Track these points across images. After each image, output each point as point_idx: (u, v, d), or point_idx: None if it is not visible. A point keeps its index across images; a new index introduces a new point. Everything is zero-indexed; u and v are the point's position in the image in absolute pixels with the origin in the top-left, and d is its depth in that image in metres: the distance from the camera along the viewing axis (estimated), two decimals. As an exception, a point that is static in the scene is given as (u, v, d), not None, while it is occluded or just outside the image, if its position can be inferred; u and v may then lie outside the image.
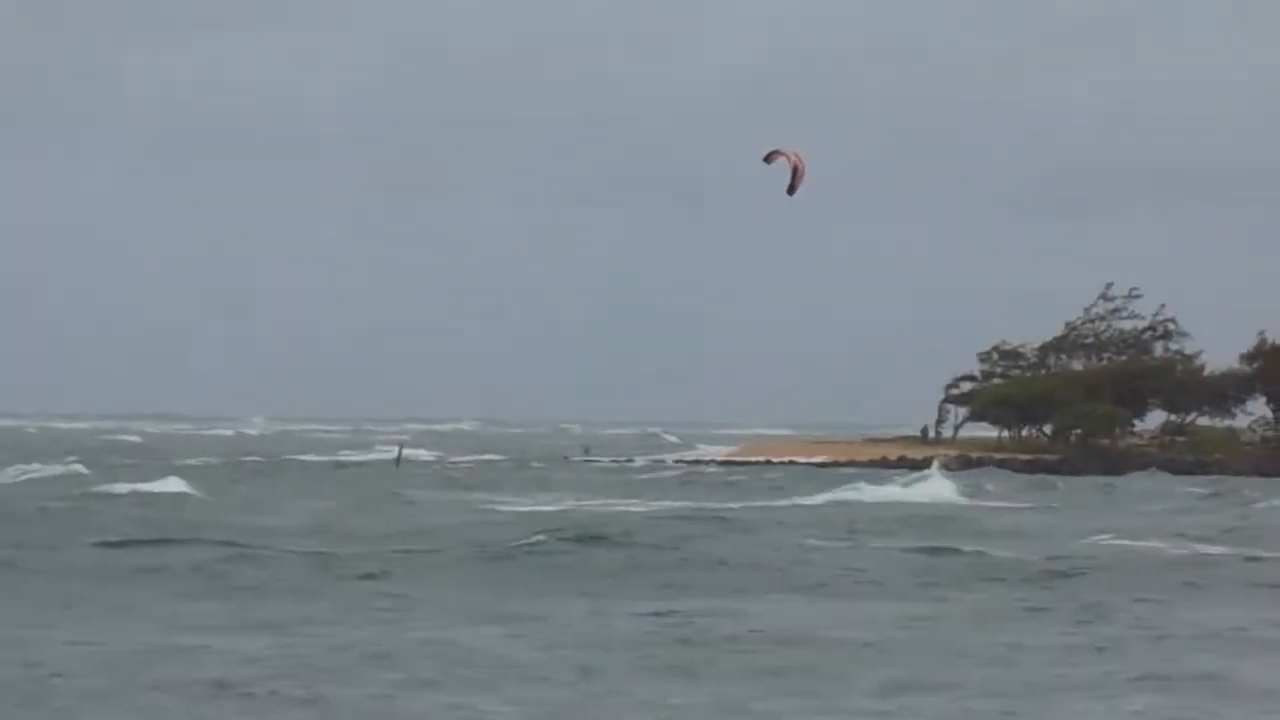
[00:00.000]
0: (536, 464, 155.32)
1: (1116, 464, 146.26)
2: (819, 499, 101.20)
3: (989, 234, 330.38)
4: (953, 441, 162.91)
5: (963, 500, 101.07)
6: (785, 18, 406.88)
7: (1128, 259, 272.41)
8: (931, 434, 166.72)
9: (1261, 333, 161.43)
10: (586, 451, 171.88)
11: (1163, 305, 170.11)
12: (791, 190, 62.49)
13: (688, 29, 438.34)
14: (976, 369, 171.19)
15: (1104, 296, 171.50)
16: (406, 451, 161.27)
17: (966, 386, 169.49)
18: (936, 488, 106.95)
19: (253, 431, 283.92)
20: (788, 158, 64.03)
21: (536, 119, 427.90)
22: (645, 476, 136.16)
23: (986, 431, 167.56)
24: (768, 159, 64.60)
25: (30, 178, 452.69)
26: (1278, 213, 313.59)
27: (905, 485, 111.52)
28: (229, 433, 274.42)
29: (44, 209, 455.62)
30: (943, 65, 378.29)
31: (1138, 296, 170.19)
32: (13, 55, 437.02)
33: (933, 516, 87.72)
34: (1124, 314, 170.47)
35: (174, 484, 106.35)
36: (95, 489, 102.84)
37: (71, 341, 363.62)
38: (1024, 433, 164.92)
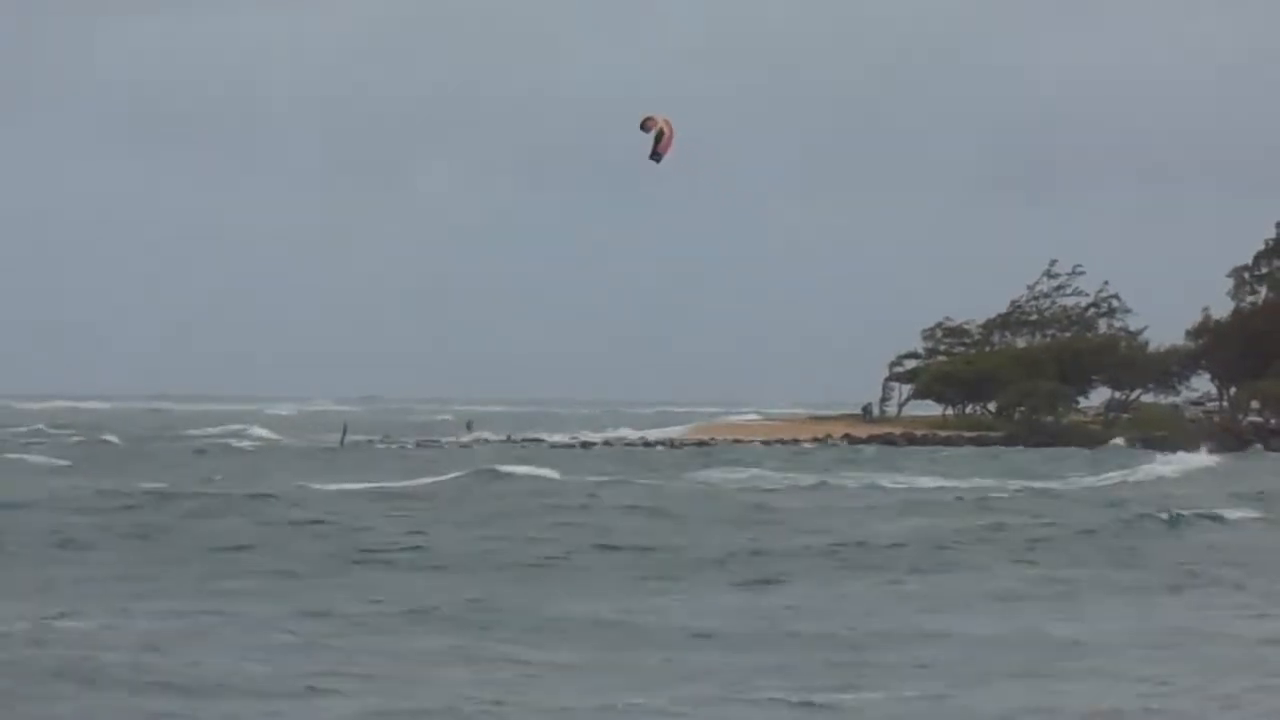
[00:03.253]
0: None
1: (1057, 440, 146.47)
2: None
3: (932, 211, 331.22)
4: (897, 419, 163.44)
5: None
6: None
7: (1072, 237, 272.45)
8: (875, 412, 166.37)
9: (1206, 309, 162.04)
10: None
11: (1106, 282, 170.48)
12: (656, 157, 61.23)
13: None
14: (920, 346, 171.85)
15: (1048, 273, 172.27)
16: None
17: (910, 364, 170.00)
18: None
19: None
20: (656, 122, 61.87)
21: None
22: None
23: (930, 410, 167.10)
24: (643, 126, 62.84)
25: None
26: (1224, 190, 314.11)
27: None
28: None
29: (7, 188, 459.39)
30: (894, 37, 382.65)
31: (1081, 273, 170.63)
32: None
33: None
34: (1068, 291, 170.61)
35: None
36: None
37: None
38: (968, 410, 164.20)
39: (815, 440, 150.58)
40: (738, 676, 39.40)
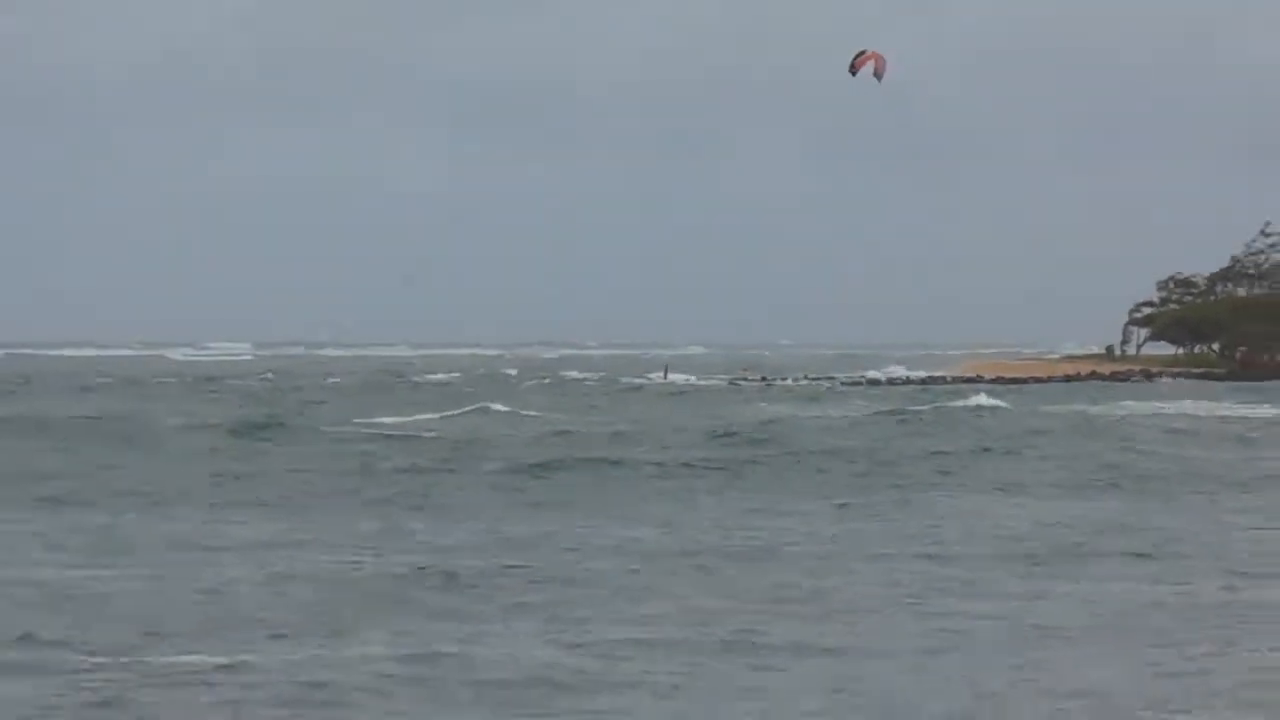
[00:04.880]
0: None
1: (1273, 376, 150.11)
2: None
3: (1164, 178, 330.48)
4: (1136, 358, 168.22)
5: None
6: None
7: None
8: (1117, 351, 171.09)
9: None
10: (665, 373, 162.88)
11: None
12: (879, 76, 75.37)
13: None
14: (1155, 296, 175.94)
15: (1263, 233, 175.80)
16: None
17: (1147, 311, 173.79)
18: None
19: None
20: (871, 59, 76.55)
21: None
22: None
23: (1164, 350, 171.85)
24: (853, 70, 77.76)
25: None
26: None
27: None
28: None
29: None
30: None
31: None
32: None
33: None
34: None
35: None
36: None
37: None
38: (1195, 350, 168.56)
39: (1068, 377, 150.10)
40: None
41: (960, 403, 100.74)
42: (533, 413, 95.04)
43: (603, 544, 41.63)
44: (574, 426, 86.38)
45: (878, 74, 72.72)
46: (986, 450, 70.35)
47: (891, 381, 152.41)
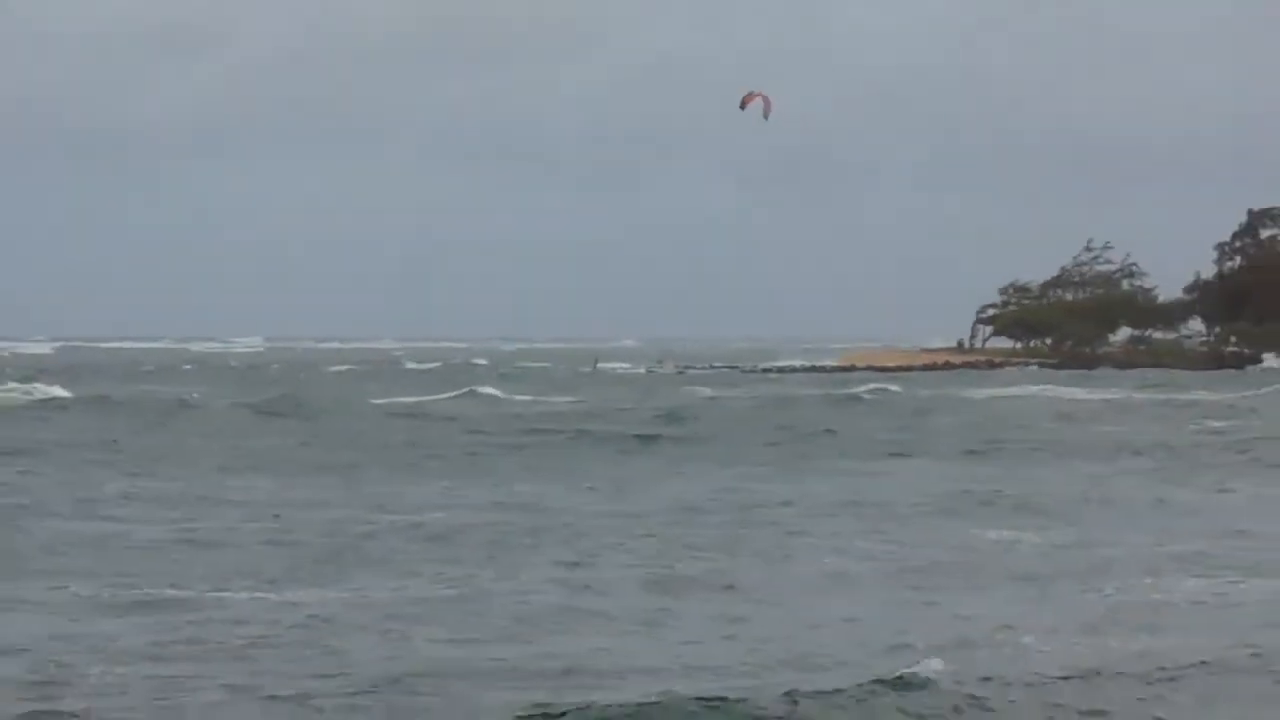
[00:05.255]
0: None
1: (1099, 362, 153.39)
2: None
3: (1007, 200, 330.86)
4: (982, 350, 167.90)
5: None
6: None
7: (1104, 221, 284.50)
8: (967, 345, 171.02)
9: (1198, 272, 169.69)
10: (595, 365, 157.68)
11: (1128, 254, 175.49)
12: (766, 116, 73.27)
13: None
14: (997, 299, 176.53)
15: (1087, 248, 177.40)
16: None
17: (991, 312, 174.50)
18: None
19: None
20: (758, 98, 75.76)
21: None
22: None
23: (1005, 344, 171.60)
24: (743, 105, 76.84)
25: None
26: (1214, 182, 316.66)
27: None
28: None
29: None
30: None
31: (1110, 248, 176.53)
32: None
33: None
34: (1101, 261, 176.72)
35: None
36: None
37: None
38: (1031, 344, 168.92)
39: (929, 366, 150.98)
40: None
41: (861, 388, 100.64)
42: (517, 396, 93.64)
43: (590, 500, 41.47)
44: (552, 405, 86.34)
45: (765, 114, 74.13)
46: (894, 424, 71.07)
47: (793, 369, 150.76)
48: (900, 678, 18.87)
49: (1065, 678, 19.69)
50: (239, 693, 19.66)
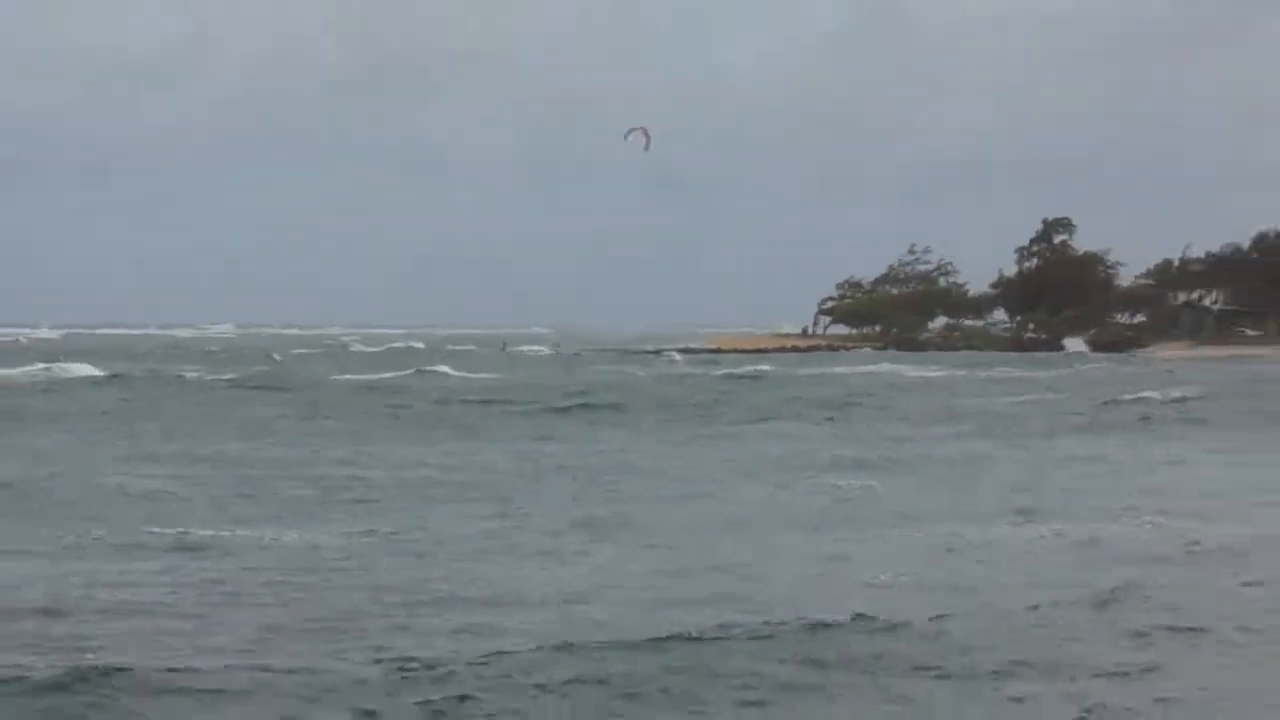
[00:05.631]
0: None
1: (921, 346, 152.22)
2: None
3: (839, 209, 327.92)
4: (824, 336, 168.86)
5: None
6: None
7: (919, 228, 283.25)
8: (810, 331, 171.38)
9: (1001, 270, 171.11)
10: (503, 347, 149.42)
11: (943, 256, 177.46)
12: (647, 148, 75.08)
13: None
14: (835, 293, 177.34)
15: (910, 251, 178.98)
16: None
17: (830, 304, 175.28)
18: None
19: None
20: (640, 131, 76.87)
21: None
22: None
23: (842, 330, 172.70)
24: (626, 136, 78.49)
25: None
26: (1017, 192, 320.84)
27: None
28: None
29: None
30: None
31: (929, 251, 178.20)
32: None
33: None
34: (921, 261, 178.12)
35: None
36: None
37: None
38: (863, 330, 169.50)
39: (780, 349, 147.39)
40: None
41: (742, 368, 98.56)
42: (463, 373, 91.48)
43: (531, 457, 40.90)
44: (483, 380, 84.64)
45: (646, 146, 75.32)
46: (778, 395, 70.70)
47: (672, 350, 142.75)
48: (821, 622, 17.74)
49: (941, 616, 18.40)
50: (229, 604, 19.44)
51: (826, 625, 17.63)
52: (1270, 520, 28.24)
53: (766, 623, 17.74)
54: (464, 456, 41.38)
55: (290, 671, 15.62)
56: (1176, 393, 67.98)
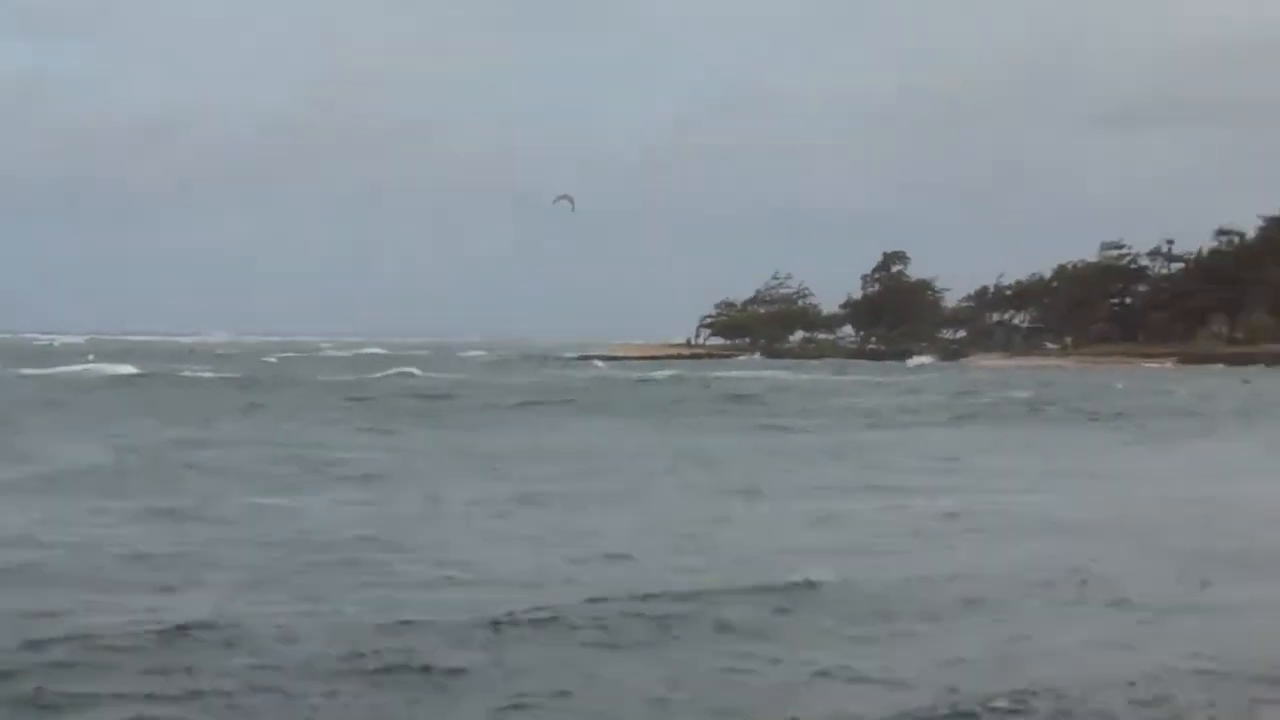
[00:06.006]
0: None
1: (784, 355, 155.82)
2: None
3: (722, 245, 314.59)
4: (705, 346, 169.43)
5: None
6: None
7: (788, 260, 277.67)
8: (694, 341, 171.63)
9: (850, 294, 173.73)
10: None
11: (802, 282, 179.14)
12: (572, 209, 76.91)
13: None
14: (713, 310, 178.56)
15: (774, 277, 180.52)
16: None
17: (709, 320, 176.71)
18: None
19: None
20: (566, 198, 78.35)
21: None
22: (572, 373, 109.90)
23: (718, 341, 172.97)
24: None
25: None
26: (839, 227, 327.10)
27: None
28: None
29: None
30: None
31: (790, 278, 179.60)
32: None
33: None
34: (783, 286, 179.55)
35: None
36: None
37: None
38: (736, 342, 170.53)
39: (674, 356, 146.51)
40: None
41: (658, 373, 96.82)
42: (429, 373, 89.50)
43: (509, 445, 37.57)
44: (448, 379, 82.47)
45: (572, 208, 77.80)
46: (705, 393, 69.72)
47: (596, 360, 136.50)
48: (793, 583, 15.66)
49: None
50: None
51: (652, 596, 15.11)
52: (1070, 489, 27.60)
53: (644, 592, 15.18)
54: (486, 441, 39.35)
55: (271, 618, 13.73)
56: (1019, 394, 69.30)
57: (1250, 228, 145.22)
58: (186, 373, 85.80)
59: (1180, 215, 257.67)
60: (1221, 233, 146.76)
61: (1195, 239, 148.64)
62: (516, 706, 10.77)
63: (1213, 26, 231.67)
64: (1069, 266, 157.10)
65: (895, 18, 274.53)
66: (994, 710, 10.91)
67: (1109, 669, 12.21)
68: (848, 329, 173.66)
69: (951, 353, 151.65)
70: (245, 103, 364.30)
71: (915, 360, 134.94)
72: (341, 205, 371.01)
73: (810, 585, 15.75)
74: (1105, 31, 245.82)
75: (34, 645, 12.20)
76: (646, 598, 14.84)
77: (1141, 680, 11.89)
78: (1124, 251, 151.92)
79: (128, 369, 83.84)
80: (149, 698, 10.79)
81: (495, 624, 13.36)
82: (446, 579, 16.43)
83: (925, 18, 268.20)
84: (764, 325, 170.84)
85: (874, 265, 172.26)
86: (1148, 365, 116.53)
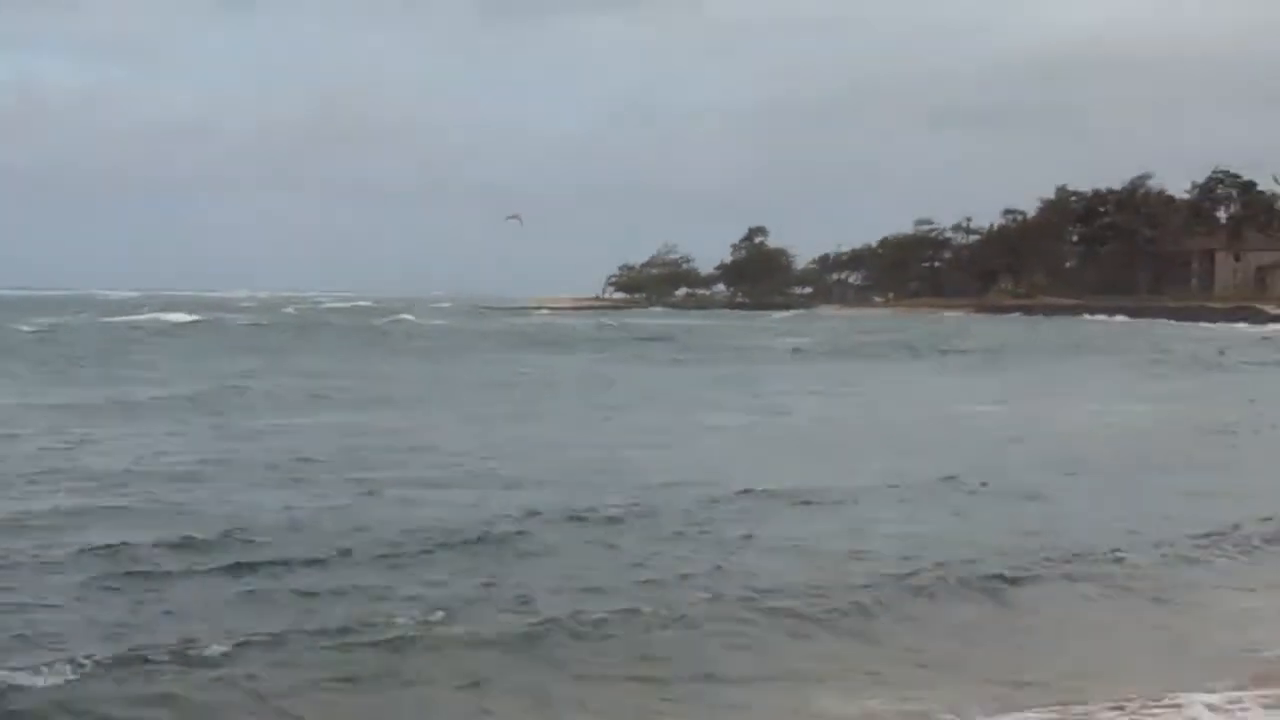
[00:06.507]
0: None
1: (672, 307, 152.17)
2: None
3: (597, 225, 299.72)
4: (610, 299, 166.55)
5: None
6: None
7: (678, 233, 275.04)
8: (602, 296, 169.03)
9: (722, 259, 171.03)
10: None
11: (686, 251, 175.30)
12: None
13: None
14: (618, 271, 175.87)
15: (664, 245, 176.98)
16: None
17: (614, 278, 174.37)
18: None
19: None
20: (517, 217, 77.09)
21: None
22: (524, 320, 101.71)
23: (620, 296, 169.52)
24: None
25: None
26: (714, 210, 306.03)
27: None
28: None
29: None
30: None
31: (676, 246, 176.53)
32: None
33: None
34: (671, 253, 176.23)
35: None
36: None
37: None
38: (634, 296, 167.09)
39: (592, 308, 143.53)
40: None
41: (586, 321, 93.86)
42: (426, 321, 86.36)
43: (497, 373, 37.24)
44: (440, 325, 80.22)
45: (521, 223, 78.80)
46: (642, 334, 68.61)
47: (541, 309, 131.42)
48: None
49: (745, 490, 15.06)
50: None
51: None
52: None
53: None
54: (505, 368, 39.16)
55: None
56: (866, 338, 68.04)
57: (1031, 209, 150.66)
58: (229, 319, 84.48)
59: (977, 199, 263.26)
60: (1008, 212, 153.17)
61: (989, 217, 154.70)
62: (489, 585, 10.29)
63: (1021, 42, 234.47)
64: (890, 238, 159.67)
65: (760, 43, 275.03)
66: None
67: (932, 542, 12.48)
68: (720, 286, 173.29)
69: (802, 304, 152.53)
70: (259, 109, 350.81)
71: (779, 314, 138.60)
72: (331, 190, 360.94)
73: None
74: (929, 49, 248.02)
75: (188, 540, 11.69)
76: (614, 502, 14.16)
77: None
78: (933, 226, 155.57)
79: (186, 316, 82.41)
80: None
81: (484, 518, 12.87)
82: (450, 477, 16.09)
83: (786, 42, 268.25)
84: (656, 283, 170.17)
85: (741, 237, 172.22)
86: (949, 314, 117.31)
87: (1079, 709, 7.92)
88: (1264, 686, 8.34)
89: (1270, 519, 14.39)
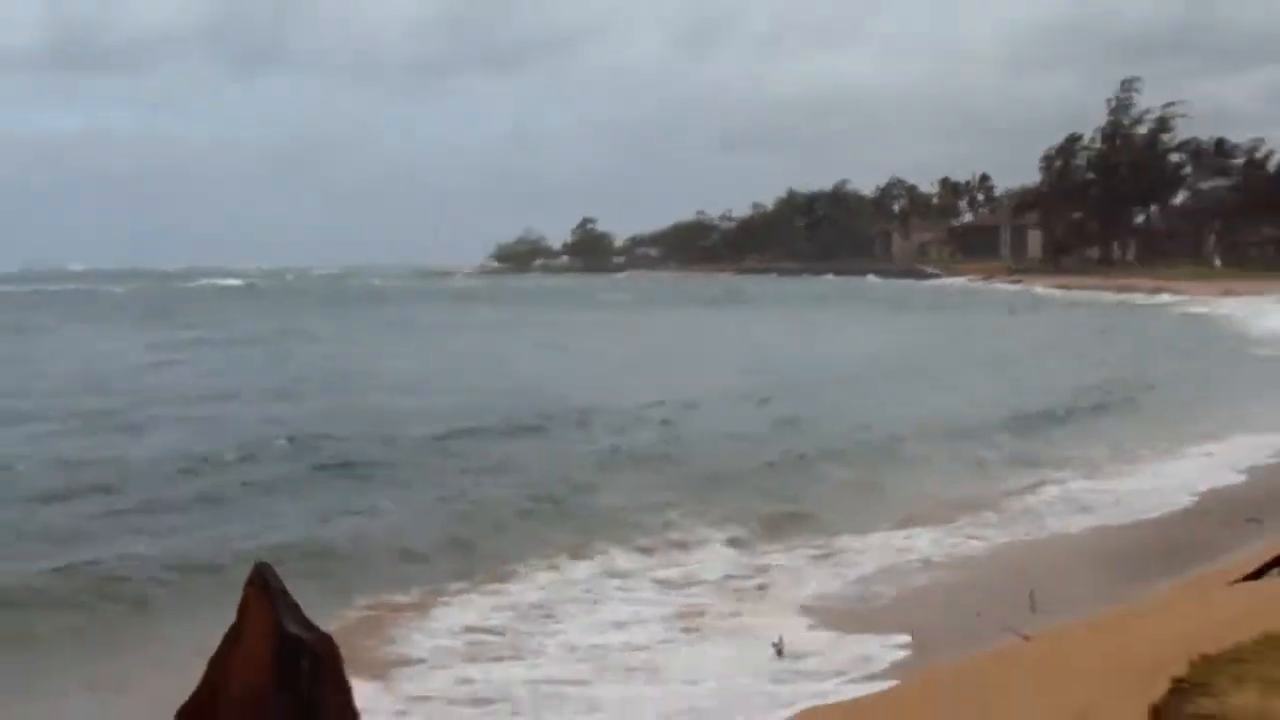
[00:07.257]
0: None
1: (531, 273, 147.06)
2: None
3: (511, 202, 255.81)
4: (490, 267, 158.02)
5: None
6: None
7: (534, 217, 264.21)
8: (485, 266, 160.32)
9: (565, 240, 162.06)
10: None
11: (540, 235, 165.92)
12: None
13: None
14: (494, 249, 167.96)
15: (526, 231, 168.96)
16: None
17: (493, 253, 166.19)
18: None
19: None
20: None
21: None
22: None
23: (496, 265, 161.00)
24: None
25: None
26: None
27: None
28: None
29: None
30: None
31: (533, 231, 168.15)
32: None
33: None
34: (530, 235, 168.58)
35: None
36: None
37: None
38: (504, 265, 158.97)
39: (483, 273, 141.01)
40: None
41: (484, 281, 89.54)
42: (386, 283, 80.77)
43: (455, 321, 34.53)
44: (393, 285, 77.09)
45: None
46: (538, 292, 67.44)
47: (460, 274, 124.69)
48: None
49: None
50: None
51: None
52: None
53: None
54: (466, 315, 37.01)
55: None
56: (659, 289, 70.34)
57: (770, 204, 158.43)
58: (261, 285, 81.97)
59: (738, 196, 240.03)
60: (755, 205, 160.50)
61: (744, 210, 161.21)
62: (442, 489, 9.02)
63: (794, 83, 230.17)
64: (679, 224, 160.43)
65: (592, 81, 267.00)
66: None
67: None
68: (565, 258, 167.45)
69: (618, 269, 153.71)
70: (228, 130, 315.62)
71: (607, 277, 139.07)
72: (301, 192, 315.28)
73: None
74: (715, 86, 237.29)
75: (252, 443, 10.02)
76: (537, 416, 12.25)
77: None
78: (706, 216, 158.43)
79: (235, 282, 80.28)
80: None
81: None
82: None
83: (616, 79, 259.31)
84: (519, 256, 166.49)
85: (578, 223, 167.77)
86: (720, 275, 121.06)
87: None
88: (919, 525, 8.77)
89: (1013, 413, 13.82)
